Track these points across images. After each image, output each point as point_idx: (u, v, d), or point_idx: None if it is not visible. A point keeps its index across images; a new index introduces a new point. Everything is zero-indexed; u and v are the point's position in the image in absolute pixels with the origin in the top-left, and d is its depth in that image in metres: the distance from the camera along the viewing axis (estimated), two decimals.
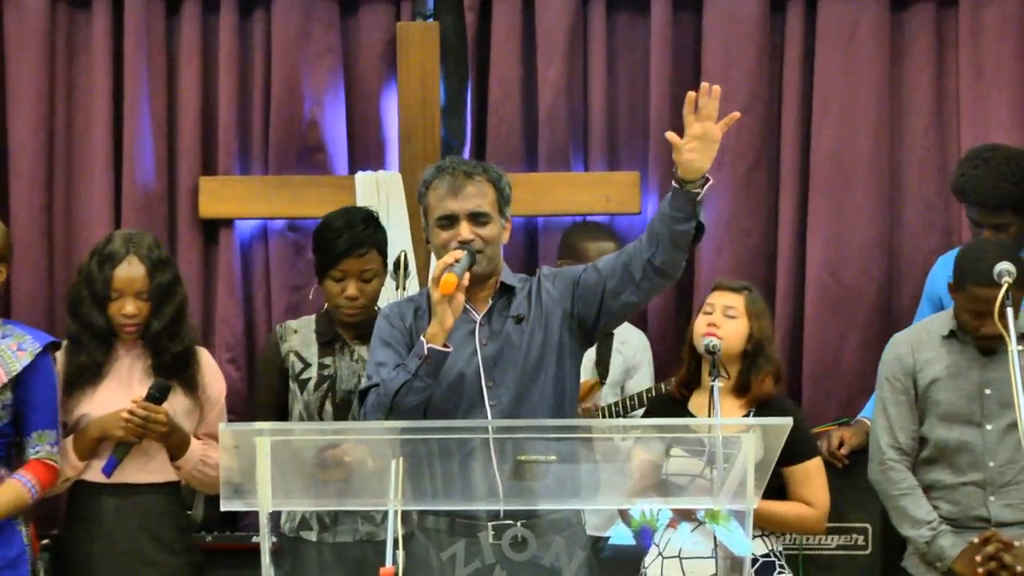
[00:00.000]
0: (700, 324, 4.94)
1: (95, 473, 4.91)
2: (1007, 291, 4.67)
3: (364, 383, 4.27)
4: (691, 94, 4.14)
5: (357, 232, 4.96)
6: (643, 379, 5.75)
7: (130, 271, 4.91)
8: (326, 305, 5.10)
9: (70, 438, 4.93)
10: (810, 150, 6.09)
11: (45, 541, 5.29)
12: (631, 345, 5.72)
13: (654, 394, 5.49)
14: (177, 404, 4.95)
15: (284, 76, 6.10)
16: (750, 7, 6.06)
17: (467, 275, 4.11)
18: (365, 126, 6.19)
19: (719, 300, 4.98)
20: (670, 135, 4.15)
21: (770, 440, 3.75)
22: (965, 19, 6.04)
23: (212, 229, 6.12)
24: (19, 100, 6.08)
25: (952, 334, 5.02)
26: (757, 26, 6.07)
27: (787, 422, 3.74)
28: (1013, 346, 4.51)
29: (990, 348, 4.94)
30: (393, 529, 3.74)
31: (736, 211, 6.07)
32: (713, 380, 4.54)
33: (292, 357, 5.03)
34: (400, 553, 3.73)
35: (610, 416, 5.56)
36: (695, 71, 6.12)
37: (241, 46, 6.17)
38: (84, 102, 6.12)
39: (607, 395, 5.64)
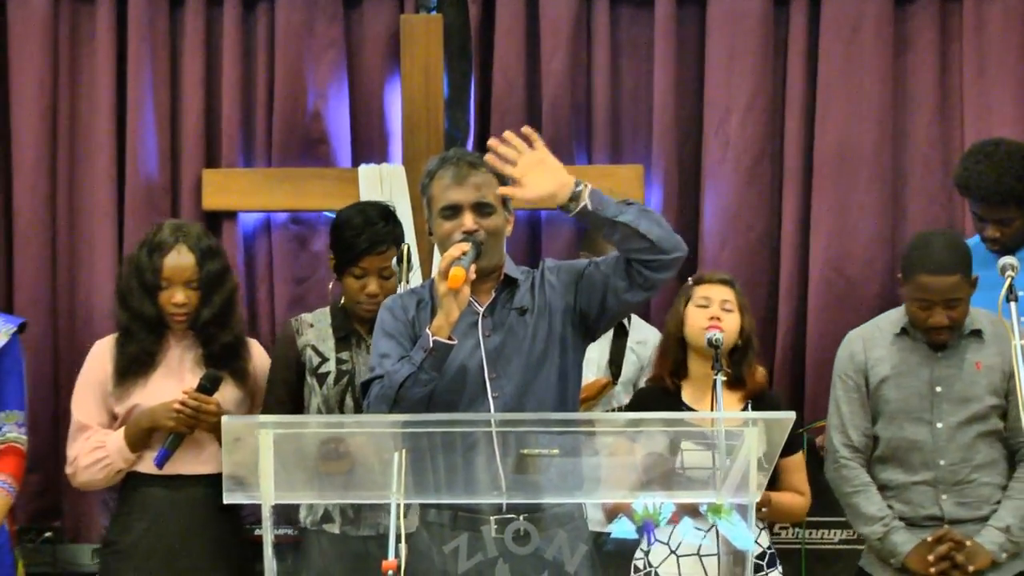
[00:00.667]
0: (698, 317, 4.95)
1: (146, 464, 4.89)
2: (1010, 286, 4.66)
3: (367, 375, 4.27)
4: (492, 159, 4.11)
5: (377, 230, 4.95)
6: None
7: (179, 260, 4.90)
8: (342, 299, 5.10)
9: (121, 429, 4.92)
10: (814, 144, 6.09)
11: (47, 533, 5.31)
12: (648, 345, 5.67)
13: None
14: (227, 394, 4.94)
15: (287, 69, 6.10)
16: (754, 1, 6.06)
17: (473, 268, 4.10)
18: (368, 119, 6.19)
19: (714, 293, 4.99)
20: (504, 190, 4.12)
21: (773, 434, 3.75)
22: (969, 14, 6.04)
23: (215, 221, 6.11)
24: (23, 92, 6.08)
25: (904, 331, 5.02)
26: (761, 20, 6.08)
27: (790, 416, 3.74)
28: (1016, 341, 4.50)
29: (939, 343, 4.93)
30: (395, 522, 3.75)
31: (740, 205, 6.07)
32: (716, 374, 4.55)
33: (309, 351, 5.03)
34: (403, 547, 3.73)
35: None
36: (699, 64, 6.13)
37: (244, 39, 6.17)
38: (88, 94, 6.13)
39: (619, 394, 5.62)
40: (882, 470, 5.02)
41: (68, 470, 4.99)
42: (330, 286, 5.29)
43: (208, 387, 4.85)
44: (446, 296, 4.07)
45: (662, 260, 4.14)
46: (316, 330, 5.07)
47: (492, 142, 4.12)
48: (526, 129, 4.14)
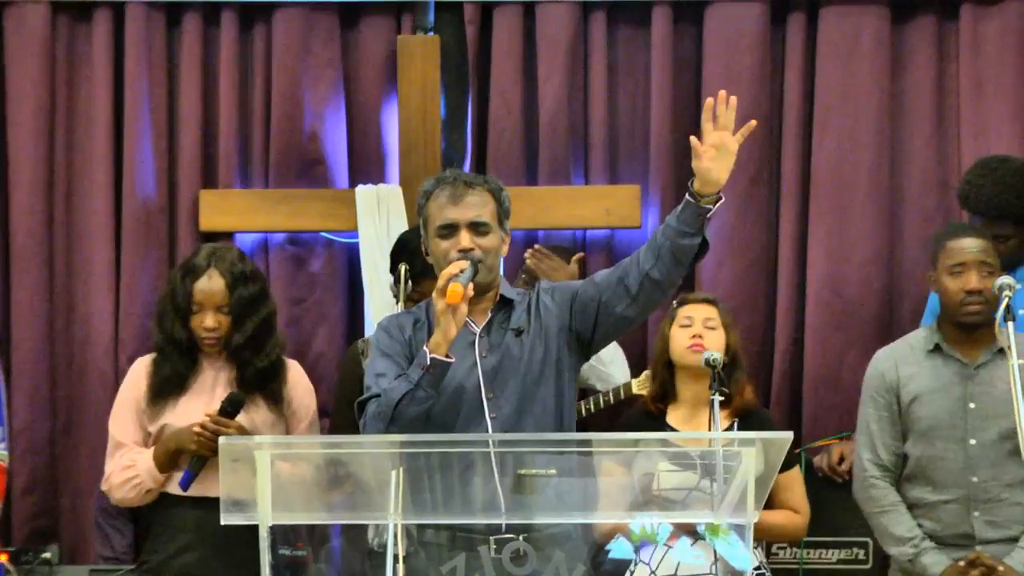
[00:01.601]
0: (682, 336, 4.97)
1: (175, 485, 4.91)
2: (1007, 306, 4.67)
3: (363, 393, 4.27)
4: (709, 101, 4.16)
5: None
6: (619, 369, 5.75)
7: (210, 285, 4.92)
8: None
9: (151, 449, 4.93)
10: (811, 163, 6.09)
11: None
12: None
13: (623, 395, 5.50)
14: (259, 417, 4.95)
15: (284, 89, 6.11)
16: (751, 20, 6.07)
17: (471, 285, 4.11)
18: (365, 139, 6.19)
19: (696, 313, 5.01)
20: (693, 139, 4.15)
21: (770, 454, 3.75)
22: (966, 32, 6.05)
23: (212, 242, 6.10)
24: (20, 112, 6.08)
25: (936, 348, 5.01)
26: (758, 39, 6.08)
27: (787, 436, 3.74)
28: (1014, 359, 4.51)
29: (973, 319, 4.90)
30: (393, 543, 3.75)
31: (737, 224, 6.07)
32: (713, 393, 4.55)
33: None
34: (400, 567, 3.73)
35: (588, 414, 5.58)
36: (696, 84, 6.13)
37: (241, 59, 6.17)
38: (85, 114, 6.12)
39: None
40: (911, 488, 5.01)
41: (103, 486, 5.04)
42: (398, 307, 5.27)
43: (230, 410, 4.86)
44: (444, 313, 4.07)
45: (674, 282, 4.21)
46: None
47: (722, 94, 4.17)
48: (734, 100, 4.18)
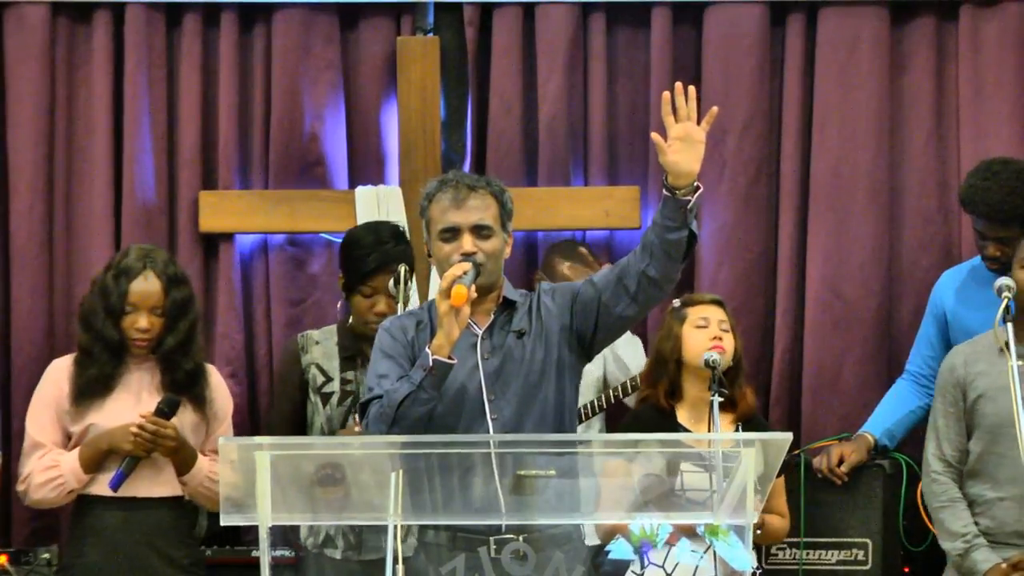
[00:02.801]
0: (699, 338, 4.95)
1: (100, 486, 4.91)
2: (1006, 307, 4.67)
3: (365, 395, 4.27)
4: (666, 94, 4.15)
5: (387, 249, 4.98)
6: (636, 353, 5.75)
7: (146, 286, 4.93)
8: (350, 319, 5.10)
9: (76, 449, 4.93)
10: (810, 165, 6.09)
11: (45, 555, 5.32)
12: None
13: (631, 389, 5.50)
14: (185, 420, 4.96)
15: (284, 90, 6.10)
16: (750, 22, 6.07)
17: (473, 287, 4.11)
18: (365, 140, 6.19)
19: (711, 314, 5.01)
20: (654, 136, 4.15)
21: (770, 455, 3.75)
22: (965, 34, 6.05)
23: (212, 243, 6.11)
24: (19, 113, 6.07)
25: (1008, 346, 5.01)
26: (757, 41, 6.08)
27: (787, 436, 3.74)
28: (1013, 359, 4.51)
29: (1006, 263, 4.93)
30: (392, 544, 3.75)
31: (736, 225, 6.07)
32: (713, 395, 4.55)
33: (314, 369, 5.04)
34: (400, 568, 3.73)
35: (595, 411, 5.59)
36: (695, 86, 6.09)
37: (241, 60, 6.17)
38: (84, 116, 6.12)
39: (590, 387, 5.62)
40: (972, 485, 5.02)
41: (19, 487, 5.05)
42: (338, 305, 5.30)
43: (166, 411, 4.88)
44: (447, 315, 4.07)
45: (671, 278, 4.19)
46: (322, 348, 5.08)
47: (679, 86, 4.14)
48: (692, 91, 4.16)
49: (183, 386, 4.98)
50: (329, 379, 5.03)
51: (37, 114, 6.06)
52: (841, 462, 5.48)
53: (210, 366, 5.16)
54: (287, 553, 5.37)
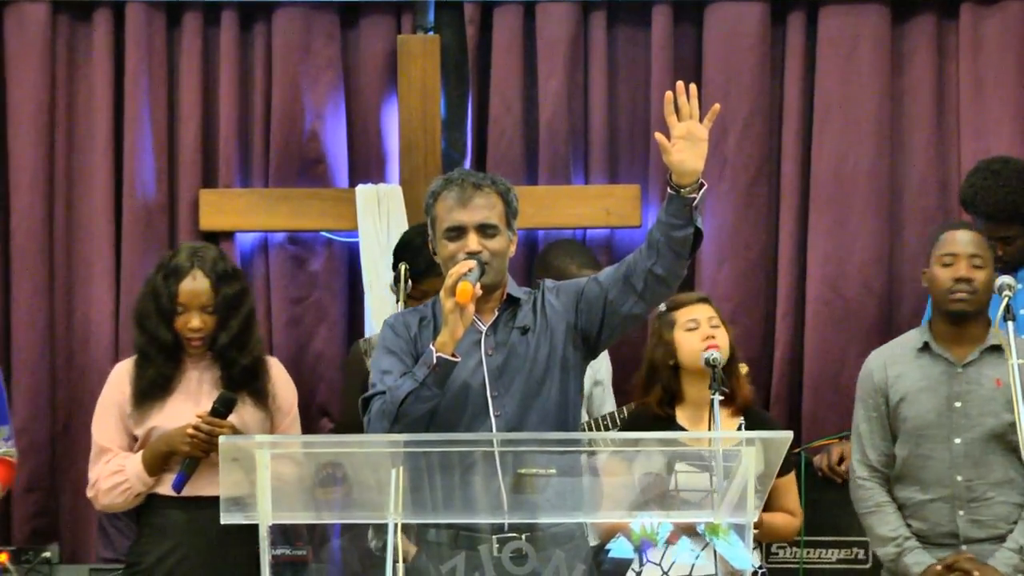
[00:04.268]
0: (692, 340, 4.94)
1: (166, 486, 4.90)
2: (1007, 305, 4.67)
3: (368, 391, 4.27)
4: (668, 94, 4.15)
5: None
6: (605, 396, 5.71)
7: (195, 285, 4.92)
8: None
9: (139, 453, 4.92)
10: (811, 163, 6.09)
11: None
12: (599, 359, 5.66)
13: (619, 418, 5.47)
14: (248, 415, 4.95)
15: (285, 89, 6.10)
16: (751, 20, 6.07)
17: (479, 285, 4.11)
18: (366, 139, 6.19)
19: (698, 313, 5.00)
20: (658, 136, 4.15)
21: (770, 453, 3.75)
22: (966, 32, 6.05)
23: (212, 241, 6.07)
24: (20, 112, 6.08)
25: (925, 347, 5.02)
26: (758, 39, 6.08)
27: (787, 435, 3.75)
28: (1014, 359, 4.51)
29: (959, 309, 4.91)
30: (393, 542, 3.75)
31: (737, 224, 6.07)
32: (714, 394, 4.55)
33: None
34: (400, 566, 3.73)
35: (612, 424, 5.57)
36: (696, 84, 6.10)
37: (242, 59, 6.17)
38: (85, 114, 6.12)
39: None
40: (900, 488, 5.02)
41: (89, 493, 5.03)
42: (399, 306, 5.26)
43: (222, 410, 4.86)
44: (452, 312, 4.08)
45: (678, 275, 4.21)
46: None
47: (680, 85, 4.16)
48: (694, 89, 4.17)
49: (241, 382, 4.96)
50: None
51: (37, 112, 6.06)
52: (841, 461, 5.49)
53: (271, 359, 5.13)
54: (287, 551, 5.36)
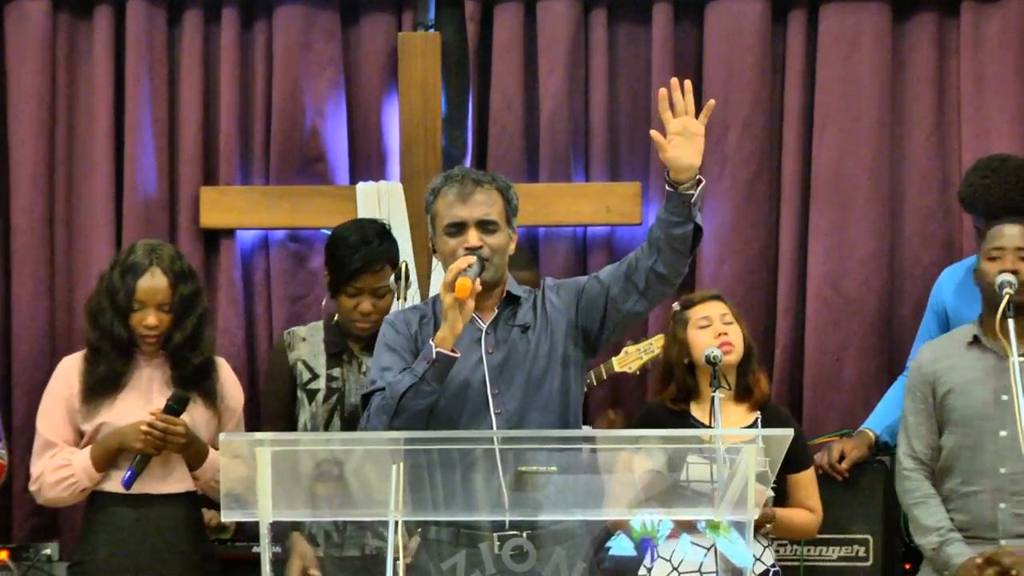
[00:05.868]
0: (706, 338, 4.96)
1: (113, 483, 4.90)
2: (1008, 303, 4.66)
3: (367, 387, 4.27)
4: (662, 91, 4.17)
5: (373, 248, 4.96)
6: None
7: (153, 283, 4.90)
8: (336, 316, 5.10)
9: (88, 448, 4.92)
10: (811, 161, 6.09)
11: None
12: None
13: (605, 375, 5.55)
14: (197, 414, 4.95)
15: (285, 86, 6.10)
16: (751, 18, 6.07)
17: (478, 281, 4.11)
18: (366, 136, 6.19)
19: (711, 311, 5.02)
20: (653, 133, 4.15)
21: (772, 450, 3.75)
22: (966, 30, 6.05)
23: (213, 239, 6.11)
24: (20, 109, 6.08)
25: (976, 340, 5.02)
26: (758, 37, 6.08)
27: (788, 433, 3.74)
28: (1014, 358, 4.51)
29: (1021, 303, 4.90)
30: (393, 539, 3.75)
31: (737, 222, 6.07)
32: (714, 391, 4.56)
33: (300, 366, 5.03)
34: (401, 563, 3.73)
35: None
36: (696, 82, 6.12)
37: (242, 56, 6.17)
38: (85, 111, 6.12)
39: None
40: (946, 480, 5.02)
41: (32, 487, 5.03)
42: (323, 303, 5.30)
43: (176, 408, 4.87)
44: (452, 307, 4.08)
45: (679, 272, 4.22)
46: (308, 344, 5.07)
47: (675, 81, 4.16)
48: (689, 84, 4.17)
49: (193, 381, 4.96)
50: (315, 376, 5.02)
51: (38, 110, 6.07)
52: (842, 458, 5.48)
53: (220, 359, 5.13)
54: (277, 550, 5.36)
